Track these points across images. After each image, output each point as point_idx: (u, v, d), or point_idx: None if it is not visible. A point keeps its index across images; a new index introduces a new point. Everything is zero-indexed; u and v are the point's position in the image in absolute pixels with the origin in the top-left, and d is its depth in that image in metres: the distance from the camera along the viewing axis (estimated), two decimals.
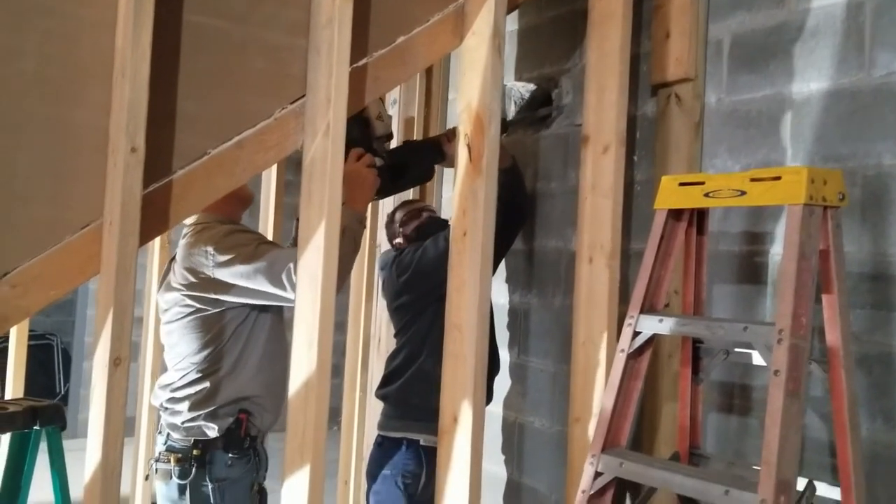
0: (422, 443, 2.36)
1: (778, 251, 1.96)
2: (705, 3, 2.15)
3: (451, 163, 2.35)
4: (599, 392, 2.00)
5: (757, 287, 2.01)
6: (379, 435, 2.48)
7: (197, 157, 1.68)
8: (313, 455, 1.66)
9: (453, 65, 3.19)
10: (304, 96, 1.77)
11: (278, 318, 2.21)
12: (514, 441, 2.67)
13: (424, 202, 2.96)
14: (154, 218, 1.63)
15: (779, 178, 1.55)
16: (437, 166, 2.65)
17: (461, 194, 1.92)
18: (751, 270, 2.02)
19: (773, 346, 1.46)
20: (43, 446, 2.64)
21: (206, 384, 2.09)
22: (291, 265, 1.93)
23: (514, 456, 2.67)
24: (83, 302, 6.25)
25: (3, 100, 1.53)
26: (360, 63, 1.87)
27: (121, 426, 1.51)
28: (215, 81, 1.73)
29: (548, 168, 2.65)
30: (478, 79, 1.90)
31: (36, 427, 2.46)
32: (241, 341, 2.11)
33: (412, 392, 2.39)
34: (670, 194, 1.74)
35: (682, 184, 1.72)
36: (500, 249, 2.42)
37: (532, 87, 2.68)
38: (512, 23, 2.78)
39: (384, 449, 2.42)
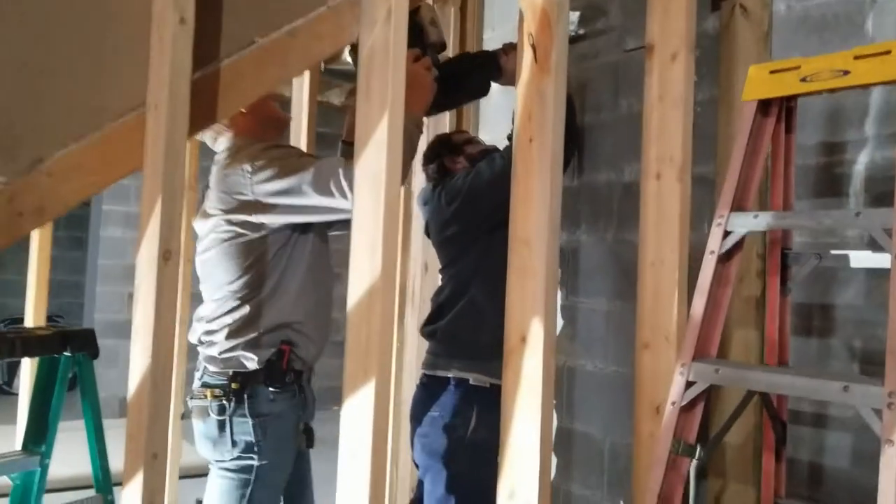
0: (471, 382, 2.17)
1: (862, 160, 1.82)
2: None
3: (509, 79, 2.20)
4: (673, 313, 1.86)
5: (838, 200, 1.87)
6: (424, 374, 2.30)
7: (245, 44, 1.54)
8: (378, 370, 1.51)
9: (488, 3, 3.06)
10: None
11: (320, 240, 2.05)
12: (564, 386, 2.52)
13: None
14: (201, 107, 1.49)
15: (888, 52, 1.42)
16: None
17: (526, 98, 1.77)
18: (830, 183, 1.88)
19: (892, 229, 1.33)
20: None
21: (245, 311, 1.93)
22: (341, 170, 1.79)
23: (563, 402, 2.52)
24: (92, 279, 6.11)
25: None
26: None
27: (172, 327, 1.37)
28: None
29: (596, 98, 2.51)
30: None
31: (66, 353, 2.30)
32: (280, 265, 1.95)
33: (461, 327, 2.22)
34: (760, 84, 1.60)
35: (773, 71, 1.58)
36: None
37: (576, 15, 2.55)
38: None
39: (429, 389, 2.24)
